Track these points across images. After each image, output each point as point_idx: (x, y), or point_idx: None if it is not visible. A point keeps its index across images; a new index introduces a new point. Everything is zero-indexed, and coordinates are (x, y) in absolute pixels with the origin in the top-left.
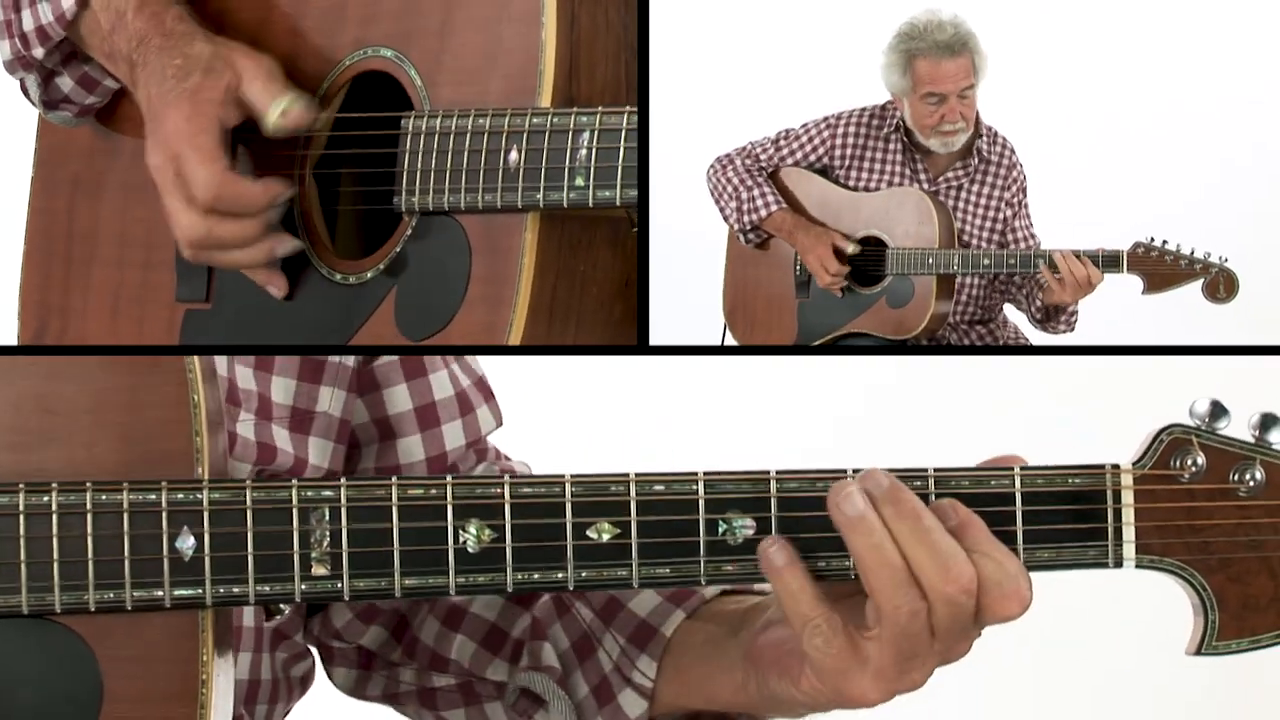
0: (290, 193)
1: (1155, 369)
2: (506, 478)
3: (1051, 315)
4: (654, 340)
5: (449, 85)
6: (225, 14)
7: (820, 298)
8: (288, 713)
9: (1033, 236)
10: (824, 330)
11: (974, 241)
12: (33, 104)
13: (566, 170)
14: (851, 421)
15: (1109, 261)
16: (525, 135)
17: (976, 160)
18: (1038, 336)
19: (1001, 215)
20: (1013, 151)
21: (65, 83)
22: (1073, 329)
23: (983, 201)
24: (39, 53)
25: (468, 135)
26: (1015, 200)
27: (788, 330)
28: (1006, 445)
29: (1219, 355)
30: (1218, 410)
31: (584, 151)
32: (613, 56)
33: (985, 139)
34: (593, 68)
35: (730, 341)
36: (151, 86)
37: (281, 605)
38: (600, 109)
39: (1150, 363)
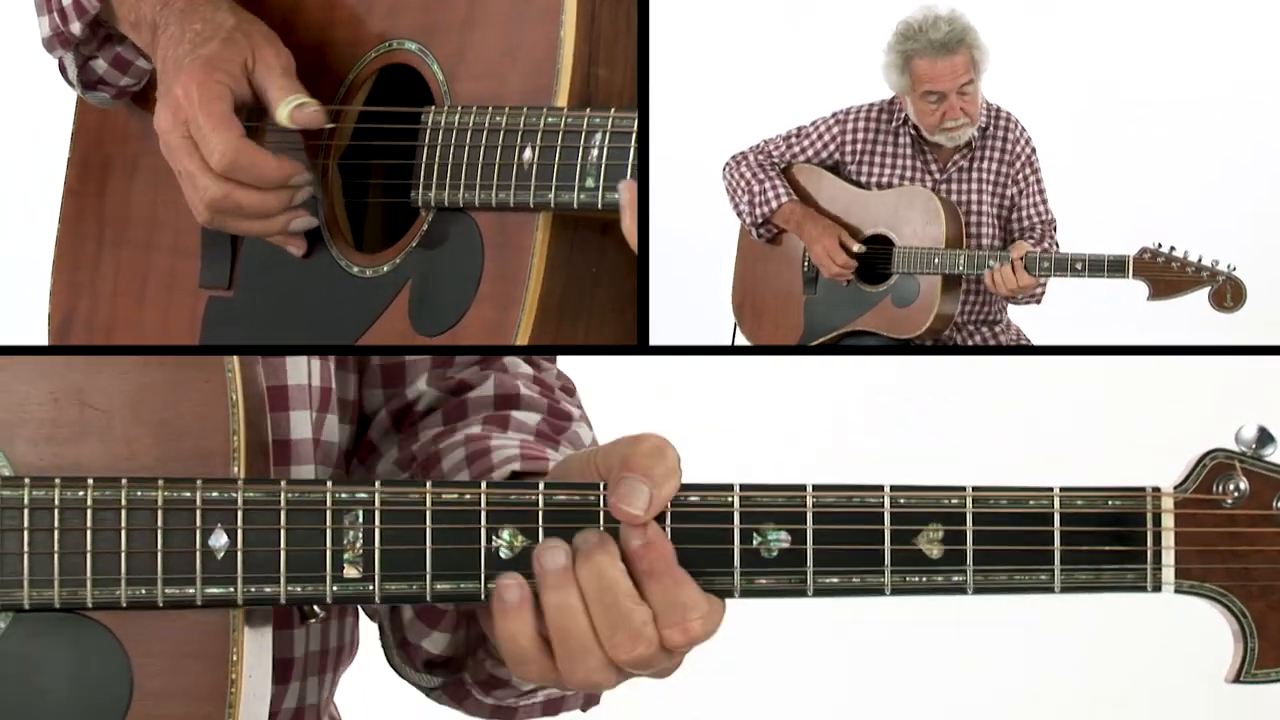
0: (308, 176)
1: (1156, 369)
2: (541, 484)
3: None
4: (656, 340)
5: (470, 80)
6: (255, 3)
7: (827, 294)
8: (337, 680)
9: (1045, 214)
10: (829, 327)
11: (985, 220)
12: (70, 85)
13: (578, 170)
14: (853, 421)
15: (1114, 266)
16: (540, 134)
17: (979, 136)
18: (1038, 336)
19: (1008, 193)
20: (1017, 125)
21: (100, 65)
22: (1039, 302)
23: (989, 178)
24: (76, 28)
25: (484, 132)
26: (1021, 176)
27: (794, 326)
28: (1008, 445)
29: (1219, 355)
30: (1264, 437)
31: (595, 152)
32: (631, 56)
33: (987, 116)
34: (611, 67)
35: (739, 336)
36: (169, 49)
37: (315, 607)
38: (613, 111)
39: (1151, 363)
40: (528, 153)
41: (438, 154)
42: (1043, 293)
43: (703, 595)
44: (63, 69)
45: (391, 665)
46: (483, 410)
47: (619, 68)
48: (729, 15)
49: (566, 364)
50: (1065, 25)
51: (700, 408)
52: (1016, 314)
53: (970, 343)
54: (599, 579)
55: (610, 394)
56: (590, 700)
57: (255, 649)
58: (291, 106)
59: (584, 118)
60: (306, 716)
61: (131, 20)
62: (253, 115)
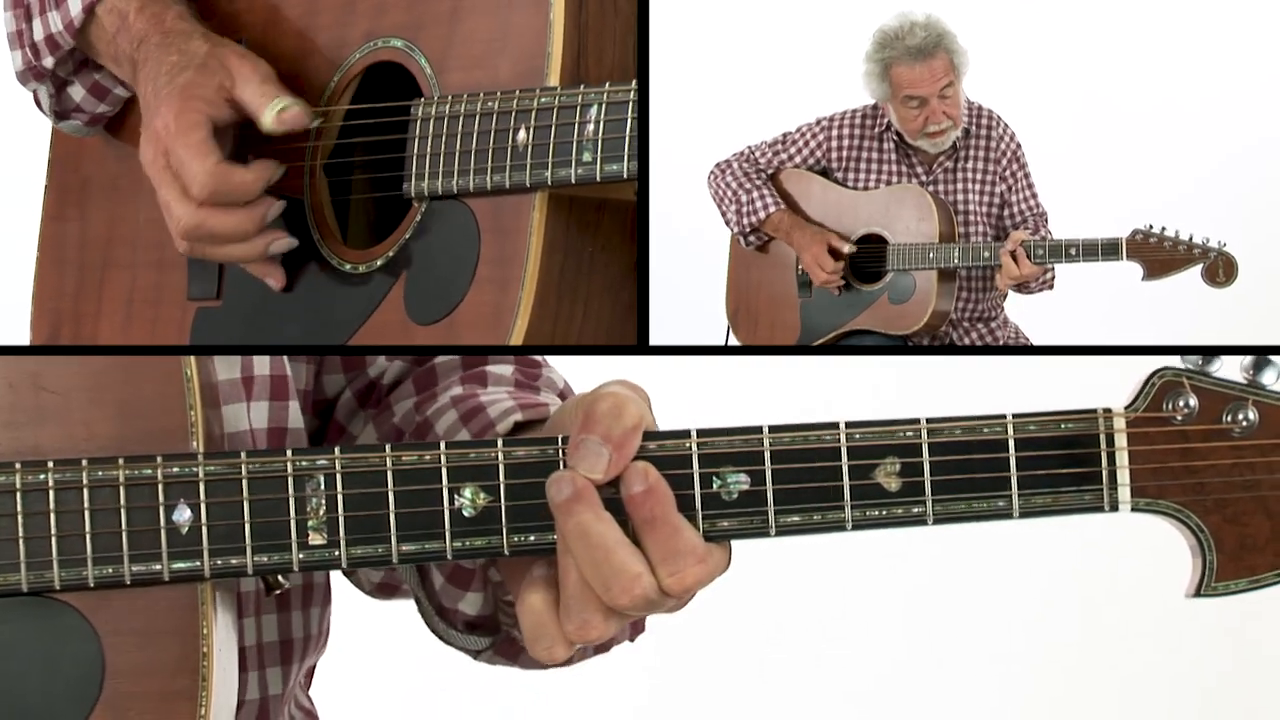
0: (281, 170)
1: (1156, 368)
2: (499, 442)
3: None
4: (654, 340)
5: (458, 70)
6: (238, 10)
7: (822, 296)
8: (304, 672)
9: (1036, 207)
10: (826, 328)
11: (975, 220)
12: (45, 115)
13: (574, 145)
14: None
15: (1107, 249)
16: (534, 114)
17: (962, 137)
18: (1037, 336)
19: (997, 190)
20: (1000, 123)
21: (77, 91)
22: (1050, 287)
23: (976, 177)
24: (49, 62)
25: (476, 118)
26: (1009, 172)
27: (790, 329)
28: None
29: (1218, 355)
30: (1209, 353)
31: (591, 126)
32: (621, 40)
33: (970, 115)
34: (601, 50)
35: (734, 342)
36: (148, 83)
37: (280, 578)
38: (607, 85)
39: (1151, 362)
40: (521, 134)
41: (429, 144)
42: (1053, 277)
43: (700, 540)
44: (38, 101)
45: (436, 633)
46: (453, 372)
47: (609, 51)
48: (722, 19)
49: (566, 364)
50: (1046, 18)
51: (700, 408)
52: (1017, 311)
53: (966, 340)
54: (584, 537)
55: None
56: (637, 630)
57: (223, 624)
58: (275, 111)
59: (578, 94)
60: (270, 707)
61: (112, 55)
62: (235, 132)
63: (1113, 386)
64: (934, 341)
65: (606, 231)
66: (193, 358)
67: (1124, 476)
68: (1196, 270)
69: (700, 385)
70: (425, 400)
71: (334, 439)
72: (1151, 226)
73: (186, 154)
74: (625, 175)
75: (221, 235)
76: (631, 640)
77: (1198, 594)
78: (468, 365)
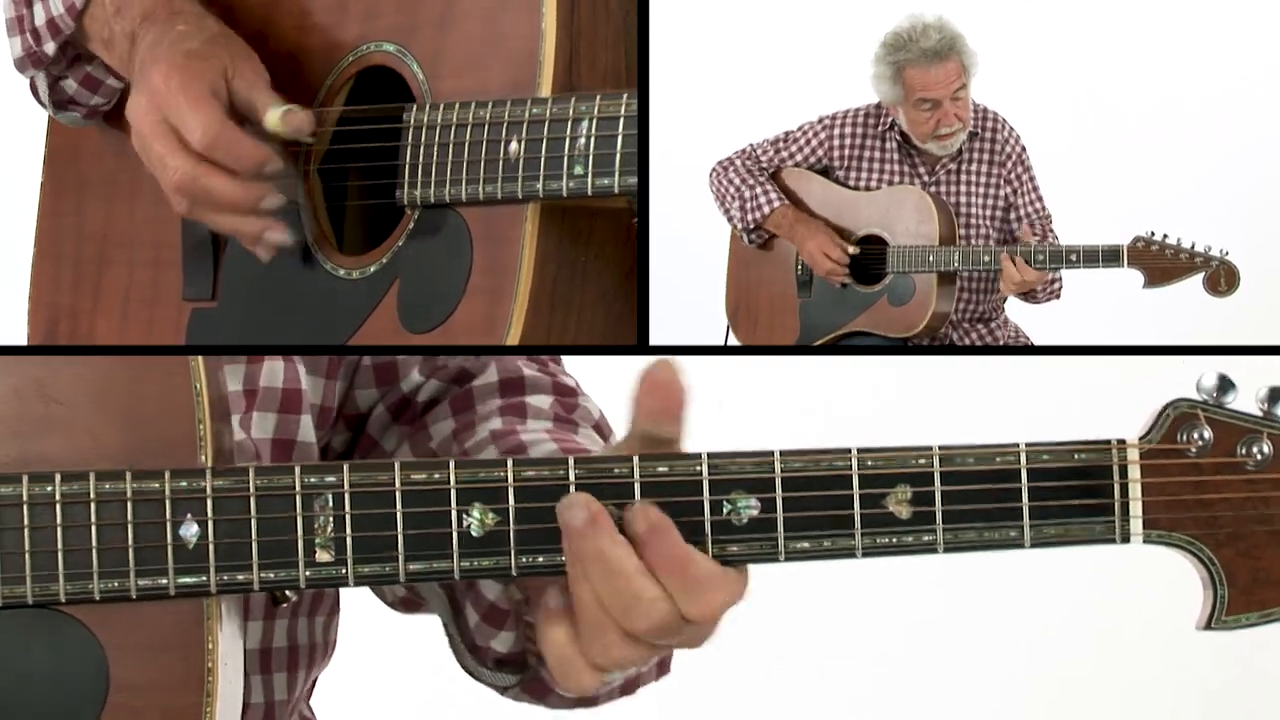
0: (282, 166)
1: (1156, 369)
2: (509, 461)
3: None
4: (654, 340)
5: (450, 76)
6: (230, 11)
7: (822, 297)
8: (310, 680)
9: (1041, 210)
10: (826, 329)
11: (977, 223)
12: (42, 105)
13: (565, 159)
14: (852, 421)
15: (1109, 256)
16: (525, 125)
17: (967, 139)
18: (1038, 336)
19: (1001, 193)
20: (1005, 125)
21: (70, 85)
22: (1058, 296)
23: (980, 180)
24: (50, 47)
25: (469, 127)
26: (1014, 175)
27: (790, 329)
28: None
29: (1219, 355)
30: (1225, 384)
31: (583, 140)
32: (613, 45)
33: (975, 118)
34: (593, 56)
35: (733, 342)
36: (148, 51)
37: (287, 592)
38: (599, 97)
39: (1151, 363)
40: (513, 145)
41: (421, 152)
42: (1061, 287)
43: (714, 565)
44: (34, 89)
45: (464, 668)
46: (490, 397)
47: (601, 56)
48: (721, 18)
49: (566, 365)
50: (1051, 21)
51: (699, 408)
52: (1018, 314)
53: (966, 340)
54: (602, 562)
55: (610, 394)
56: (663, 669)
57: (228, 637)
58: (283, 111)
59: (569, 106)
60: (275, 713)
61: (104, 38)
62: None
63: (1112, 387)
64: (933, 342)
65: (600, 240)
66: (202, 370)
67: (1136, 508)
68: (1198, 278)
69: (700, 385)
70: (464, 430)
71: (365, 452)
72: (1153, 234)
73: (188, 104)
74: (616, 190)
75: (216, 197)
76: (657, 680)
77: (1208, 627)
78: (505, 392)
